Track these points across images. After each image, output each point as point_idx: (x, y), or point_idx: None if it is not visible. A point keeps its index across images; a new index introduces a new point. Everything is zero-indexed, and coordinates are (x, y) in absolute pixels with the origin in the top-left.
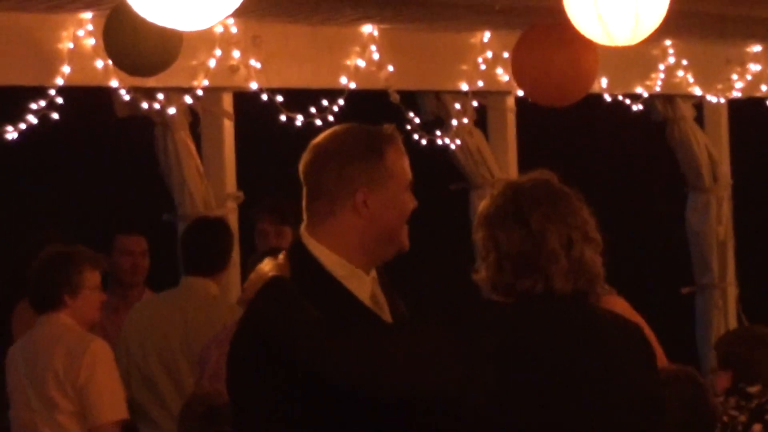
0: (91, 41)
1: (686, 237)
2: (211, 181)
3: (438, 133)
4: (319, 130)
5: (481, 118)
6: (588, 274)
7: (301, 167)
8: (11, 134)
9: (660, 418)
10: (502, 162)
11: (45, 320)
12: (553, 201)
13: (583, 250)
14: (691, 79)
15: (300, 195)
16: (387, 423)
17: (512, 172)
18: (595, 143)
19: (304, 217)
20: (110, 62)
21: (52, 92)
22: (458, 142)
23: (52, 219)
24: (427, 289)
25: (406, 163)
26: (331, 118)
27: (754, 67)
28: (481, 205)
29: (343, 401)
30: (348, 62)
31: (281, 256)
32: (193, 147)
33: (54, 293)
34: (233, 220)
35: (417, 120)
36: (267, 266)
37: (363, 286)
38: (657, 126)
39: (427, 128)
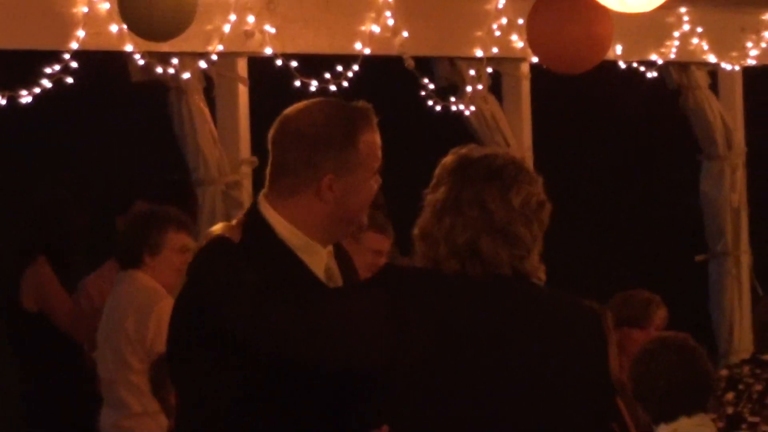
0: (105, 5)
1: (700, 205)
2: (225, 146)
3: (452, 99)
4: (334, 95)
5: (495, 85)
6: (481, 262)
7: (269, 136)
8: (26, 98)
9: (599, 407)
10: (517, 128)
11: (123, 278)
12: (462, 186)
13: (475, 240)
14: (705, 47)
15: None
16: (316, 392)
17: (526, 138)
18: (610, 110)
19: (266, 184)
20: (125, 27)
21: (67, 56)
22: (472, 108)
23: (66, 183)
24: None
25: (378, 146)
26: (345, 83)
27: None
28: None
29: (270, 366)
30: (363, 28)
31: (235, 220)
32: (207, 112)
33: (135, 252)
34: (247, 185)
35: (431, 86)
36: (217, 228)
37: (317, 258)
38: (671, 93)
39: (441, 94)
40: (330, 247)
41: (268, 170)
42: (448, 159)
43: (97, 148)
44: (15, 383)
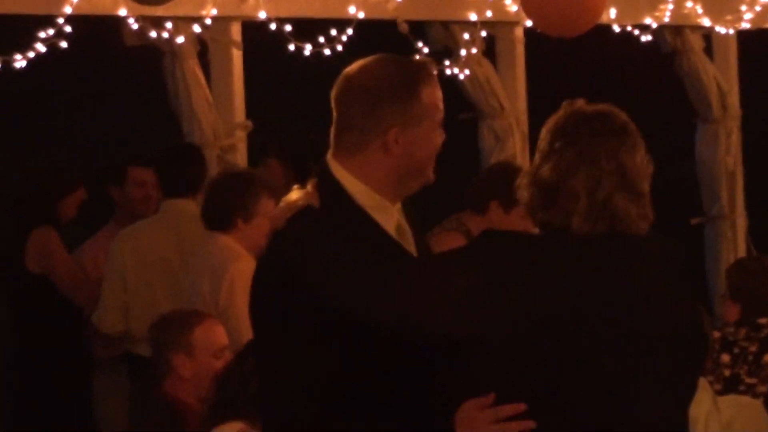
0: None
1: (695, 168)
2: (219, 110)
3: (446, 63)
4: (328, 59)
5: (489, 49)
6: (612, 217)
7: (332, 95)
8: (20, 62)
9: (696, 351)
10: (511, 92)
11: (209, 240)
12: (597, 138)
13: (611, 195)
14: (700, 10)
15: (305, 124)
16: (413, 361)
17: (521, 102)
18: (604, 74)
19: (332, 144)
20: None
21: (61, 21)
22: (467, 72)
23: (60, 148)
24: (435, 219)
25: (439, 98)
26: (339, 47)
27: None
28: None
29: (368, 338)
30: None
31: (309, 186)
32: (201, 76)
33: (227, 215)
34: (242, 149)
35: (425, 50)
36: (295, 195)
37: (389, 216)
38: (666, 57)
39: (435, 58)
40: (399, 205)
41: (332, 129)
42: (567, 114)
43: (91, 113)
44: (12, 345)
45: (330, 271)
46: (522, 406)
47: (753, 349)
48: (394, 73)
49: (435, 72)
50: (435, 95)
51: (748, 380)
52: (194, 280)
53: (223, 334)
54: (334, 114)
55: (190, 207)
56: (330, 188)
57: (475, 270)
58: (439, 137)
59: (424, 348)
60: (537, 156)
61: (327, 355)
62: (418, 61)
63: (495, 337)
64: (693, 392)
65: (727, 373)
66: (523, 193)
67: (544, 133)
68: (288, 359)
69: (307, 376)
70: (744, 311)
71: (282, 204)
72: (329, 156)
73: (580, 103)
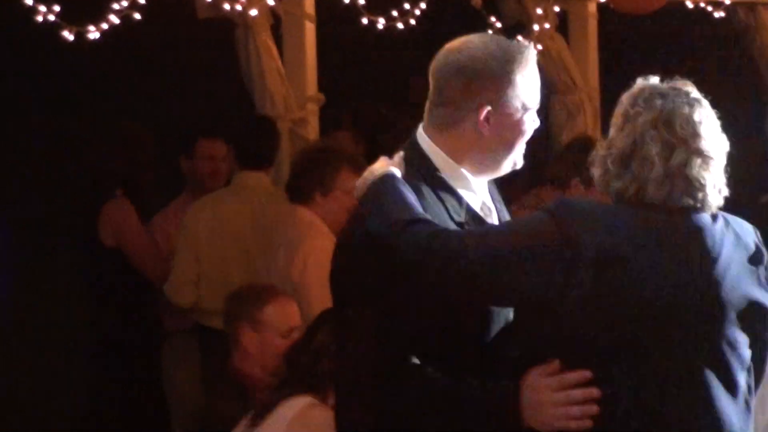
0: None
1: (766, 147)
2: (292, 83)
3: (519, 38)
4: (401, 33)
5: (562, 24)
6: (687, 185)
7: (431, 68)
8: (93, 34)
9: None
10: (583, 68)
11: (289, 212)
12: (670, 108)
13: (687, 162)
14: None
15: (377, 97)
16: (489, 325)
17: (593, 78)
18: (677, 50)
19: (425, 116)
20: None
21: None
22: (539, 47)
23: (134, 119)
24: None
25: (536, 83)
26: (412, 21)
27: None
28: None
29: (446, 302)
30: None
31: (397, 155)
32: (274, 49)
33: (306, 188)
34: (313, 122)
35: (498, 25)
36: (381, 163)
37: (473, 192)
38: (739, 34)
39: (508, 33)
40: (485, 183)
41: (427, 103)
42: (642, 87)
43: (165, 85)
44: (85, 318)
45: (403, 234)
46: (587, 374)
47: None
48: (492, 51)
49: (534, 58)
50: (532, 80)
51: None
52: (269, 252)
53: (296, 314)
54: (431, 87)
55: (263, 180)
56: (418, 160)
57: (549, 234)
58: (530, 122)
59: (498, 310)
60: (612, 130)
61: (405, 319)
62: (517, 43)
63: (565, 302)
64: (760, 375)
65: None
66: (596, 169)
67: (619, 106)
68: (370, 322)
69: (389, 334)
70: None
71: (366, 173)
72: (420, 129)
73: (655, 78)
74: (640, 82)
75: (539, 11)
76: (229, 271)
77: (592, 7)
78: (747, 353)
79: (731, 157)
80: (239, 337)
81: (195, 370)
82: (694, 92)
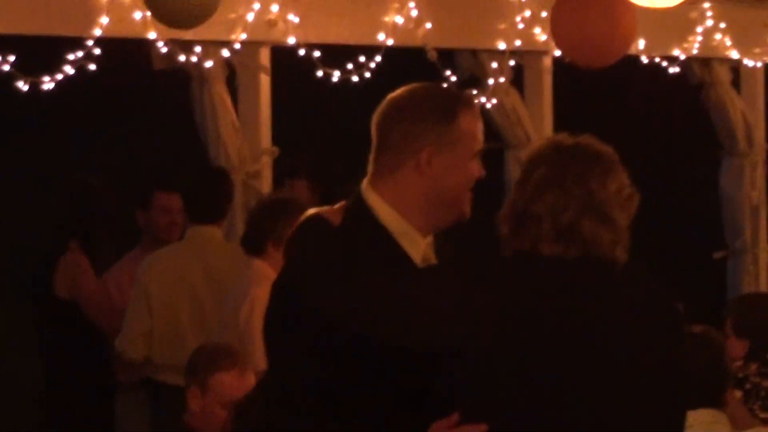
0: None
1: (719, 201)
2: (246, 135)
3: (474, 91)
4: (356, 86)
5: (517, 78)
6: (584, 243)
7: (373, 119)
8: (48, 84)
9: (674, 391)
10: (538, 122)
11: (242, 264)
12: (566, 164)
13: (578, 220)
14: (728, 43)
15: (333, 149)
16: (395, 374)
17: (548, 132)
18: (632, 105)
19: (369, 169)
20: (149, 14)
21: (90, 43)
22: (494, 101)
23: (87, 170)
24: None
25: (479, 130)
26: (367, 74)
27: None
28: None
29: (350, 346)
30: (386, 18)
31: (338, 205)
32: (229, 101)
33: (259, 240)
34: (267, 175)
35: (453, 78)
36: (313, 211)
37: (416, 246)
38: (693, 89)
39: (463, 87)
40: (430, 238)
41: (371, 155)
42: (544, 143)
43: (119, 136)
44: (40, 369)
45: (317, 272)
46: (483, 427)
47: (766, 384)
48: (435, 96)
49: (477, 107)
50: (474, 124)
51: (762, 415)
52: (222, 306)
53: (246, 388)
54: (374, 138)
55: (215, 234)
56: (357, 208)
57: (452, 286)
58: (474, 168)
59: (406, 358)
60: (513, 187)
61: (317, 361)
62: (464, 91)
63: (468, 353)
64: (671, 425)
65: None
66: (502, 227)
67: (521, 164)
68: (287, 366)
69: (304, 382)
70: (752, 346)
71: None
72: (365, 180)
73: (562, 135)
74: (545, 138)
75: (494, 65)
76: (181, 325)
77: (548, 62)
78: (646, 406)
79: (685, 213)
80: (188, 395)
81: (145, 424)
82: (596, 146)
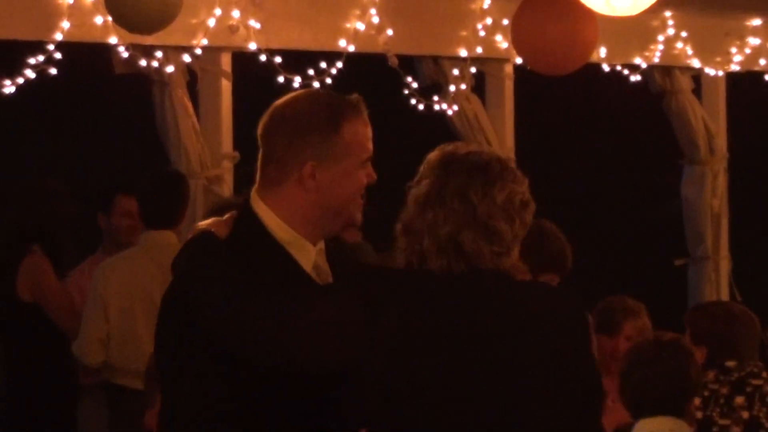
0: None
1: (681, 209)
2: (207, 140)
3: (435, 98)
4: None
5: (479, 85)
6: (465, 257)
7: (258, 128)
8: (9, 89)
9: (582, 396)
10: (499, 129)
11: None
12: (448, 177)
13: (457, 234)
14: (689, 51)
15: None
16: (295, 393)
17: (509, 139)
18: (593, 113)
19: (257, 178)
20: (110, 19)
21: (51, 47)
22: (455, 108)
23: (49, 173)
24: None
25: (366, 136)
26: (329, 80)
27: (753, 41)
28: None
29: (246, 367)
30: (347, 25)
31: (228, 215)
32: (190, 106)
33: None
34: (229, 180)
35: (415, 85)
36: (206, 223)
37: (306, 254)
38: (655, 97)
39: (424, 93)
40: (321, 245)
41: (258, 163)
42: (433, 154)
43: (80, 140)
44: (2, 373)
45: (209, 293)
46: None
47: (724, 391)
48: (318, 106)
49: (364, 111)
50: (360, 133)
51: (722, 421)
52: None
53: None
54: (260, 146)
55: (170, 239)
56: (245, 218)
57: (351, 302)
58: (364, 177)
59: (305, 378)
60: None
61: (212, 382)
62: (347, 97)
63: (370, 368)
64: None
65: (699, 415)
66: (399, 240)
67: (417, 176)
68: (179, 383)
69: (194, 403)
70: (710, 354)
71: (189, 231)
72: (253, 190)
73: (454, 146)
74: (438, 149)
75: (456, 72)
76: (137, 330)
77: (509, 69)
78: (548, 415)
79: (646, 220)
80: (155, 396)
81: (105, 427)
82: (483, 156)
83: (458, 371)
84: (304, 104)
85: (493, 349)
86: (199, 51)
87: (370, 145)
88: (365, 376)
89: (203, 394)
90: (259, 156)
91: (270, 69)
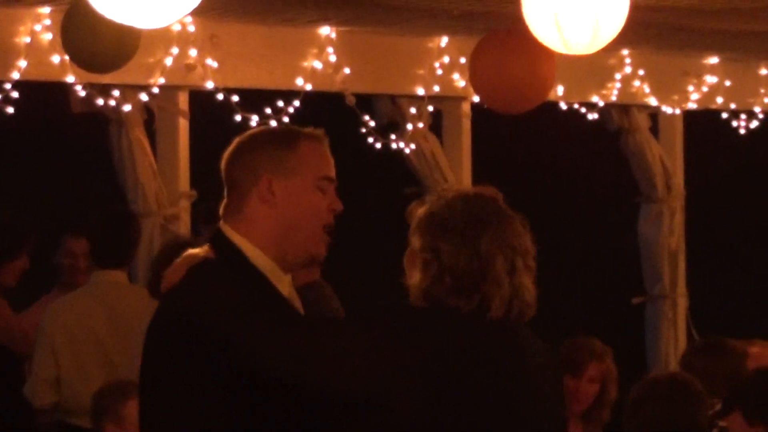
0: (48, 36)
1: (638, 247)
2: (164, 179)
3: (393, 136)
4: None
5: (436, 123)
6: (523, 302)
7: (221, 163)
8: None
9: None
10: (457, 167)
11: (149, 307)
12: (501, 224)
13: (522, 278)
14: (647, 90)
15: None
16: (309, 421)
17: (466, 177)
18: (550, 151)
19: (222, 212)
20: (67, 58)
21: (8, 86)
22: (413, 146)
23: (3, 214)
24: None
25: (324, 158)
26: (286, 119)
27: (711, 79)
28: (421, 210)
29: (269, 393)
30: (305, 64)
31: (206, 247)
32: (147, 145)
33: (158, 282)
34: (186, 219)
35: (372, 123)
36: (188, 255)
37: (282, 283)
38: (612, 135)
39: (381, 132)
40: (289, 278)
41: (223, 199)
42: (452, 202)
43: (36, 179)
44: None
45: (237, 324)
46: None
47: None
48: (278, 130)
49: (326, 143)
50: (316, 152)
51: None
52: (128, 349)
53: None
54: (224, 181)
55: (120, 278)
56: (225, 247)
57: (374, 338)
58: (323, 200)
59: (322, 408)
60: (429, 243)
61: (216, 408)
62: (310, 128)
63: (391, 402)
64: None
65: None
66: (417, 274)
67: (430, 223)
68: (177, 409)
69: (193, 425)
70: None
71: (177, 261)
72: (221, 224)
73: (454, 192)
74: (442, 196)
75: (413, 110)
76: (87, 370)
77: (466, 107)
78: None
79: (603, 258)
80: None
81: None
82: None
83: (473, 408)
84: (264, 130)
85: (511, 392)
86: (156, 90)
87: (331, 171)
88: (399, 410)
89: (206, 414)
90: (225, 190)
91: (227, 108)
